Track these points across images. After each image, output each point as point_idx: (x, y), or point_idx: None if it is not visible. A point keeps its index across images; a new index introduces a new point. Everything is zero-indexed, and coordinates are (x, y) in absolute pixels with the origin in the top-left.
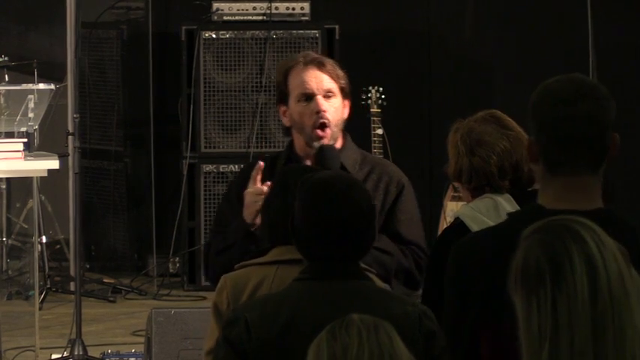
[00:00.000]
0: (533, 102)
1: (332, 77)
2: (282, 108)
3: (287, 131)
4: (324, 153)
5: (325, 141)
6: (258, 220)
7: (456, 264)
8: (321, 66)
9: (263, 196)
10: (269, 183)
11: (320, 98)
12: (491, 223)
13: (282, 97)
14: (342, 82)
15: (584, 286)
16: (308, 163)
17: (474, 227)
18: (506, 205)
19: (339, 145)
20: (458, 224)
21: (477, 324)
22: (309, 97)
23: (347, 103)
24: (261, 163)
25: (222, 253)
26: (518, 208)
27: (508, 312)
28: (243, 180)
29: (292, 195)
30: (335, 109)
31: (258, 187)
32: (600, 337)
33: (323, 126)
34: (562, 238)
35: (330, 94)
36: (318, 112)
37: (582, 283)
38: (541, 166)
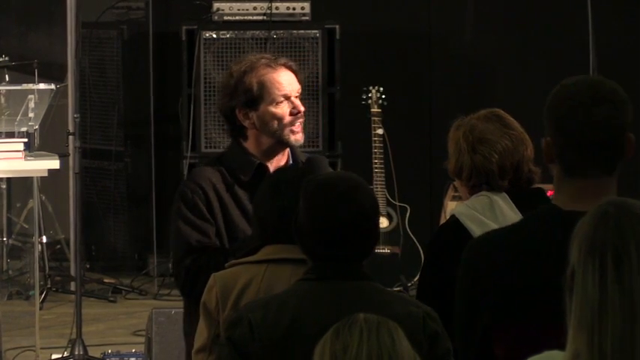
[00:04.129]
0: (550, 103)
1: (297, 78)
2: (244, 111)
3: (238, 133)
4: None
5: (299, 137)
6: None
7: (469, 265)
8: (289, 67)
9: None
10: None
11: (295, 100)
12: (487, 221)
13: (250, 101)
14: (301, 81)
15: None
16: (270, 165)
17: (470, 225)
18: (502, 203)
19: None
20: (453, 222)
21: (491, 324)
22: (285, 98)
23: None
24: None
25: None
26: (514, 206)
27: (524, 311)
28: (206, 193)
29: (283, 195)
30: (304, 107)
31: None
32: None
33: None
34: (633, 222)
35: (298, 94)
36: (297, 113)
37: None
38: (557, 167)
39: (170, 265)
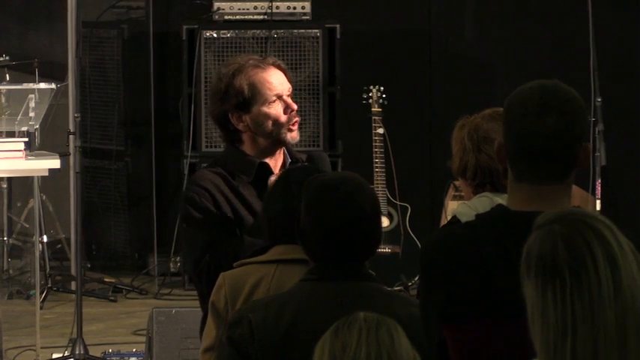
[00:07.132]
0: (505, 106)
1: (287, 77)
2: (237, 114)
3: (233, 137)
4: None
5: (295, 134)
6: None
7: (422, 266)
8: (278, 66)
9: None
10: None
11: (287, 98)
12: None
13: (243, 104)
14: (291, 79)
15: (609, 285)
16: (270, 162)
17: None
18: (503, 204)
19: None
20: (455, 223)
21: (442, 326)
22: (278, 98)
23: None
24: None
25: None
26: None
27: (471, 315)
28: (213, 195)
29: (294, 195)
30: (296, 105)
31: None
32: (622, 336)
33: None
34: (582, 232)
35: (289, 93)
36: (291, 112)
37: (607, 281)
38: (509, 171)
39: (189, 270)
